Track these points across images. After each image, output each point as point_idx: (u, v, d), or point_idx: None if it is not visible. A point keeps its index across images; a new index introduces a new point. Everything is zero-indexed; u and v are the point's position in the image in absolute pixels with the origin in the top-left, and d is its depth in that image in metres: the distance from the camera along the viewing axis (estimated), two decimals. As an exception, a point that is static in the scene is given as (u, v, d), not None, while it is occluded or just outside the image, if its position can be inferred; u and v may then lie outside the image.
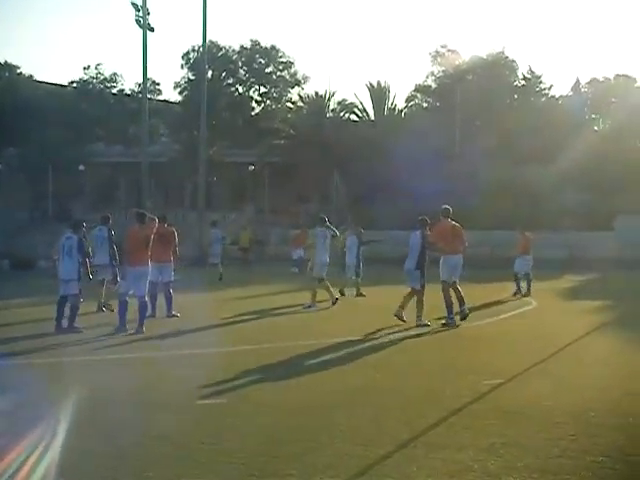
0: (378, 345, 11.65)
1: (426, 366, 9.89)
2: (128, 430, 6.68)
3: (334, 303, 16.90)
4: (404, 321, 13.39)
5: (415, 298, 13.61)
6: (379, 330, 12.96)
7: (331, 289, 17.12)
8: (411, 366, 9.89)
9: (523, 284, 19.47)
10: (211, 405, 7.57)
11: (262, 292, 20.35)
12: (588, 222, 35.21)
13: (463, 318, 13.77)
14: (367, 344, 11.69)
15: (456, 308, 13.78)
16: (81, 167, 46.06)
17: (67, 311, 13.26)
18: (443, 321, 13.65)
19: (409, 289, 13.83)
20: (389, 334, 12.55)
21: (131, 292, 13.14)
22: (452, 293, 13.82)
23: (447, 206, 14.37)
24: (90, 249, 15.48)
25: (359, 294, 19.41)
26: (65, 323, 13.15)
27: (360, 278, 19.83)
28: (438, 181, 33.47)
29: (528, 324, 14.31)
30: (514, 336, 12.55)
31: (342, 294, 19.13)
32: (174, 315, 14.81)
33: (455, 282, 13.99)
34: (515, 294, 19.14)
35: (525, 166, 38.12)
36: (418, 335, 12.64)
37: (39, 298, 16.75)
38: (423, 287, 13.62)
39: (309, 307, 16.60)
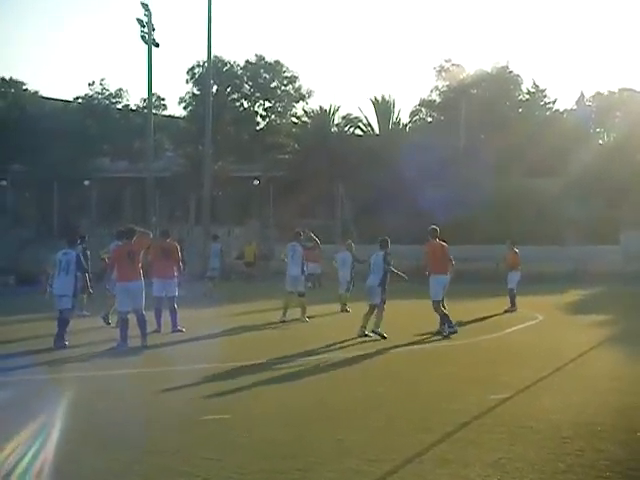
0: (381, 358, 11.64)
1: (431, 380, 9.84)
2: (131, 445, 6.65)
3: (281, 321, 16.71)
4: (369, 336, 13.55)
5: (375, 312, 13.86)
6: (379, 343, 12.95)
7: (288, 309, 16.97)
8: (415, 380, 9.85)
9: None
10: (215, 420, 7.54)
11: (267, 307, 20.31)
12: (593, 235, 35.12)
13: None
14: (369, 357, 11.66)
15: (435, 327, 14.18)
16: (86, 182, 46.16)
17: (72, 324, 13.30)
18: (445, 333, 13.93)
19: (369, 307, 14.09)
20: (391, 347, 12.53)
21: (130, 308, 13.13)
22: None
23: (435, 226, 14.83)
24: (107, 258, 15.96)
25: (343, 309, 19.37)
26: (67, 337, 13.16)
27: (349, 293, 19.68)
28: (443, 195, 33.49)
29: (533, 338, 14.25)
30: (520, 350, 12.51)
31: (347, 311, 19.11)
32: (179, 330, 14.80)
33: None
34: (507, 310, 19.06)
35: (530, 180, 38.11)
36: (422, 348, 12.64)
37: (43, 314, 16.70)
38: (384, 302, 13.91)
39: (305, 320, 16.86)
